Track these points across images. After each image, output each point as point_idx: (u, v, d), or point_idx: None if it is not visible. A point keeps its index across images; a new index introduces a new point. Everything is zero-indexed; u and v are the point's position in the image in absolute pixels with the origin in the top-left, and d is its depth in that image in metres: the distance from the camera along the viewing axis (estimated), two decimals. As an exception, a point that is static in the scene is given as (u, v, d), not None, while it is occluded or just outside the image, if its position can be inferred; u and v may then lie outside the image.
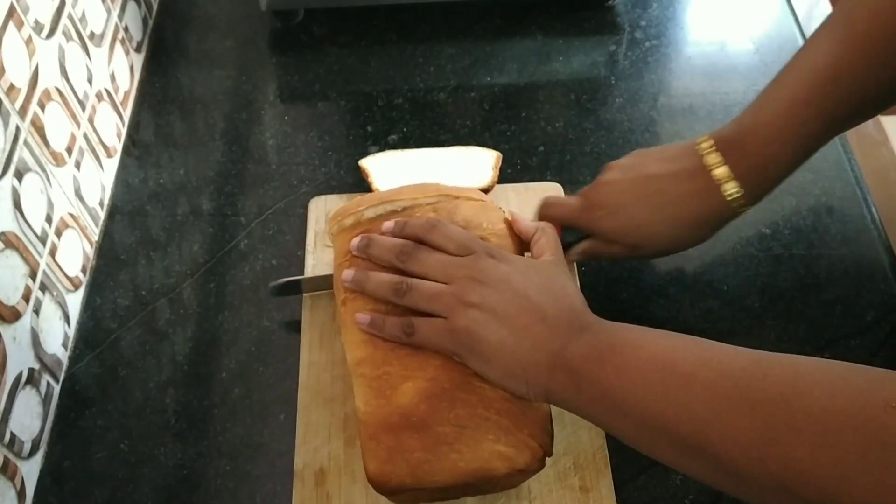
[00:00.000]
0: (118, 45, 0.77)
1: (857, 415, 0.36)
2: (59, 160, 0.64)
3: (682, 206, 0.56)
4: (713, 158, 0.55)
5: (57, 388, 0.62)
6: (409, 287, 0.52)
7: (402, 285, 0.52)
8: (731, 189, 0.55)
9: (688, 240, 0.59)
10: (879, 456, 0.34)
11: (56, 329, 0.62)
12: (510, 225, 0.59)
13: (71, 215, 0.65)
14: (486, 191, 0.69)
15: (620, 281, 0.68)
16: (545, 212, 0.62)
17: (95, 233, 0.70)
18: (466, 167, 0.70)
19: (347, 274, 0.55)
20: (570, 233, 0.61)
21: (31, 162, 0.59)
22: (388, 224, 0.56)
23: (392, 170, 0.70)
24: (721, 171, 0.55)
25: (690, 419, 0.41)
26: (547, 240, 0.56)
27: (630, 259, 0.63)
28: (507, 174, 0.73)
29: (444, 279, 0.52)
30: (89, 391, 0.63)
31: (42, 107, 0.61)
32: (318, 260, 0.67)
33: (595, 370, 0.46)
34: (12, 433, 0.55)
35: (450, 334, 0.50)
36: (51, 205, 0.62)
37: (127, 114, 0.79)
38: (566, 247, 0.61)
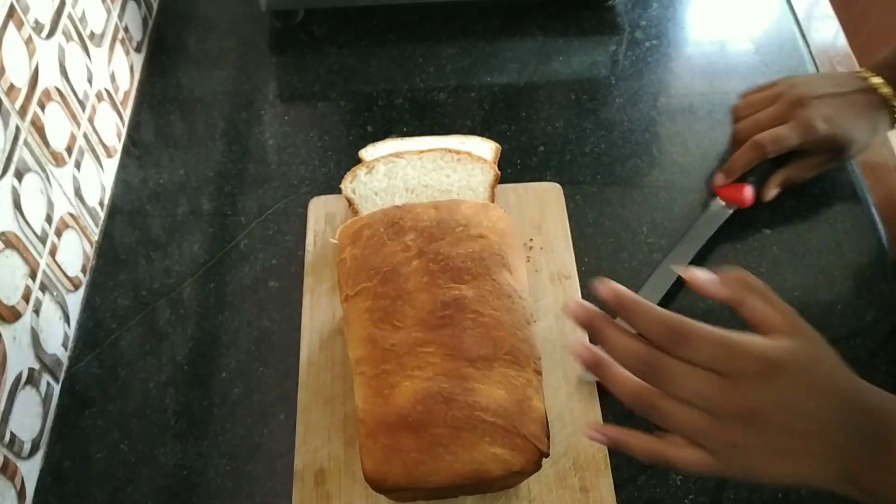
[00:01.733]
0: (118, 45, 0.77)
1: None
2: (59, 160, 0.64)
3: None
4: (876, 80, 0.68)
5: (57, 388, 0.62)
6: (664, 383, 0.44)
7: (656, 376, 0.44)
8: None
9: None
10: None
11: (56, 329, 0.62)
12: (508, 222, 0.58)
13: (71, 215, 0.65)
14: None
15: (620, 282, 0.67)
16: (764, 149, 0.69)
17: (95, 233, 0.70)
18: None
19: (583, 352, 0.46)
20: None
21: (31, 162, 0.59)
22: (606, 291, 0.47)
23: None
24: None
25: None
26: (764, 302, 0.45)
27: (824, 166, 0.71)
28: (508, 174, 0.73)
29: (701, 407, 0.43)
30: (89, 391, 0.63)
31: (42, 107, 0.61)
32: (317, 259, 0.67)
33: None
34: (12, 433, 0.55)
35: (713, 454, 0.43)
36: (51, 205, 0.62)
37: (127, 114, 0.79)
38: (765, 178, 0.70)
